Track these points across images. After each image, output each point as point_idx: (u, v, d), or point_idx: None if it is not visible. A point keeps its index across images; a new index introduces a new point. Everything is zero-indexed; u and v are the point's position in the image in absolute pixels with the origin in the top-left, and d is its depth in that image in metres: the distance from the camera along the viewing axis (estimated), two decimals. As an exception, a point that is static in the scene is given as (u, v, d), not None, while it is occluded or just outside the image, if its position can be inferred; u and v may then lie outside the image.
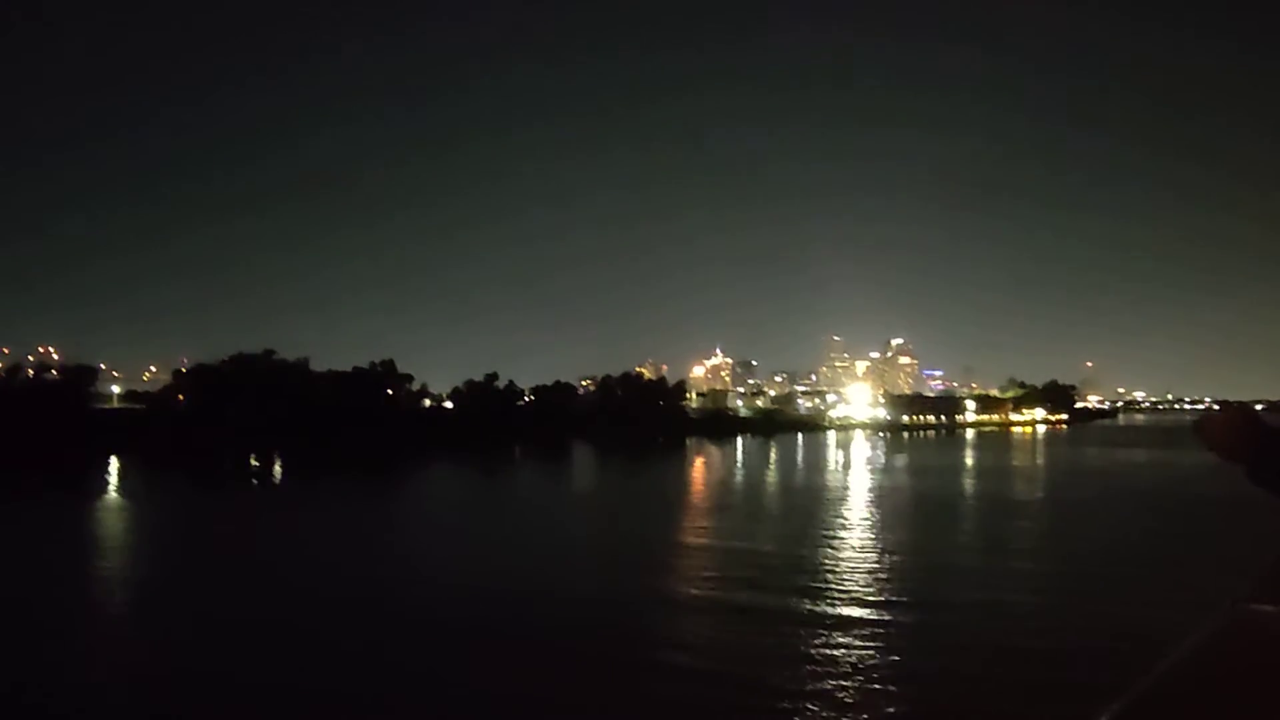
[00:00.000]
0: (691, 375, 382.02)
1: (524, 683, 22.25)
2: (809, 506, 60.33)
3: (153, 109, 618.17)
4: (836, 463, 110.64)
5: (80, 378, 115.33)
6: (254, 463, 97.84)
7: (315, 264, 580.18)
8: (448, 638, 26.48)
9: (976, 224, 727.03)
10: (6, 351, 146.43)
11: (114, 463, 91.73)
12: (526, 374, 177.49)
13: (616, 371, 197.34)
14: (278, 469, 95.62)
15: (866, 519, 53.54)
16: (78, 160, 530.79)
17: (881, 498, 66.77)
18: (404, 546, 44.85)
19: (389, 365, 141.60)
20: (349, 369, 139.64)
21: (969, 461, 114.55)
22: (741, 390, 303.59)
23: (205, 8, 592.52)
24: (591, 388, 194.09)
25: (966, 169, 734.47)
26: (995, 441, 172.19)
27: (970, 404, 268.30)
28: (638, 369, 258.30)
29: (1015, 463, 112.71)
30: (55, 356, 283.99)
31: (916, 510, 58.44)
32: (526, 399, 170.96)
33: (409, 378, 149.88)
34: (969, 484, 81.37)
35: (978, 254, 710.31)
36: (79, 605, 30.95)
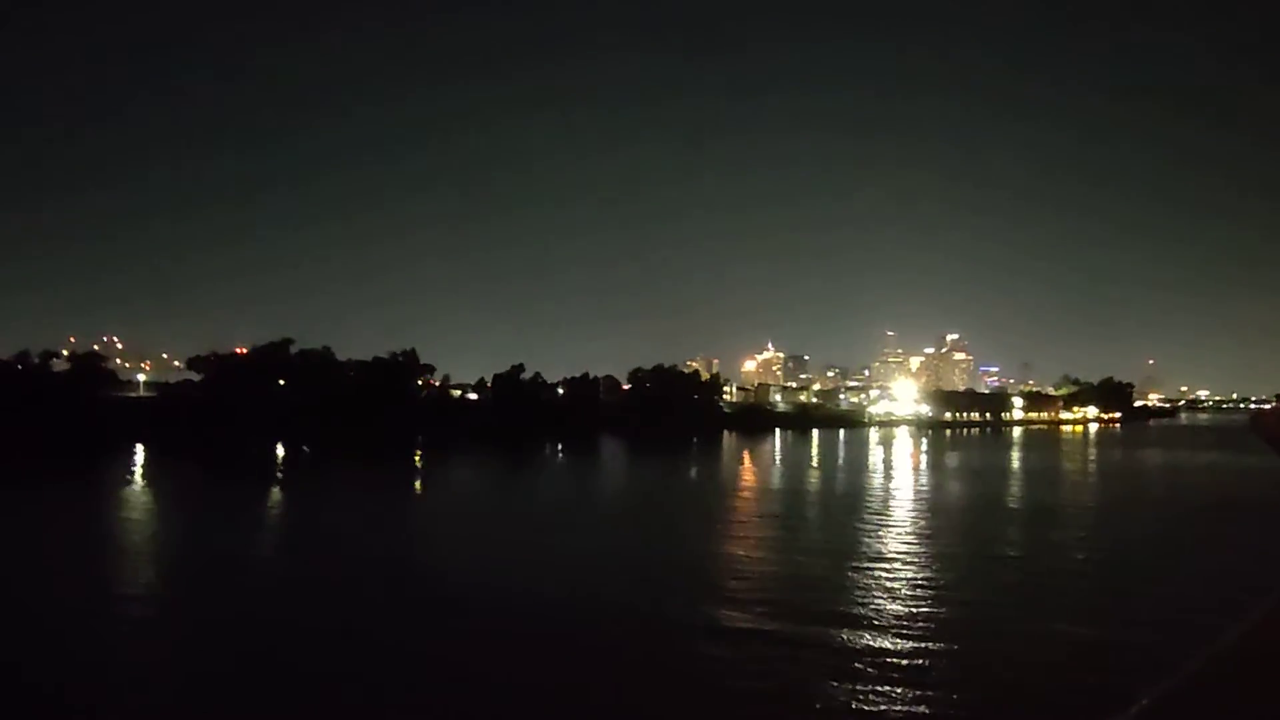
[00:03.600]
0: (743, 370, 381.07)
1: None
2: (838, 512, 56.55)
3: (179, 86, 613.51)
4: (866, 462, 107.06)
5: (89, 366, 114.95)
6: (280, 454, 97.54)
7: (345, 254, 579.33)
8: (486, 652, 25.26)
9: (1039, 220, 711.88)
10: (74, 340, 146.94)
11: (138, 453, 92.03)
12: (577, 368, 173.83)
13: (669, 365, 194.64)
14: (303, 460, 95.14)
15: (890, 530, 49.76)
16: (86, 143, 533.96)
17: (905, 505, 63.13)
18: (435, 546, 43.30)
19: (411, 355, 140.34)
20: (370, 359, 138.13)
21: (1011, 463, 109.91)
22: (792, 385, 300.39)
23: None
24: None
25: (1031, 164, 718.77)
26: (1041, 441, 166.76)
27: (1018, 401, 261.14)
28: (689, 363, 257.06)
29: (1057, 465, 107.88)
30: (119, 345, 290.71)
31: (942, 519, 54.87)
32: (559, 391, 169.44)
33: (430, 368, 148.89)
34: (1009, 490, 76.37)
35: (1039, 250, 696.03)
36: (92, 613, 29.08)
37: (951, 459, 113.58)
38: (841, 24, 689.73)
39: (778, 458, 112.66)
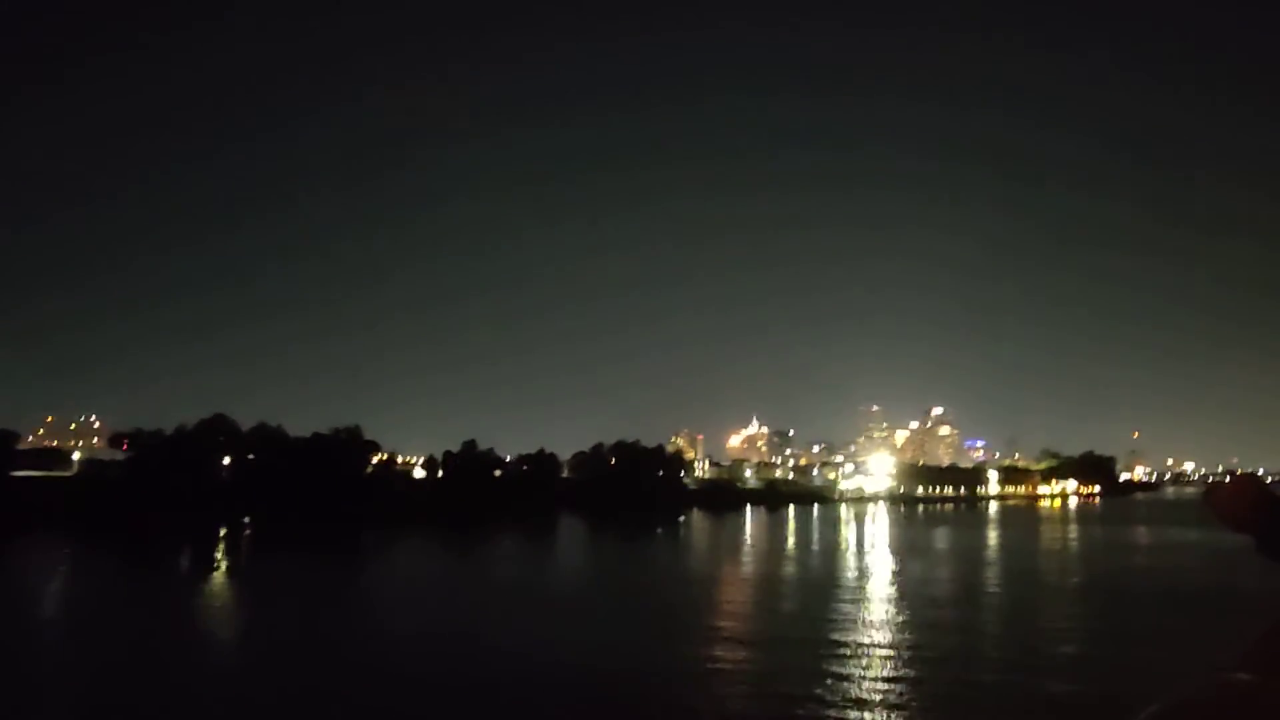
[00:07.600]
0: (728, 445, 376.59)
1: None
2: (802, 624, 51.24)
3: (122, 180, 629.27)
4: (836, 543, 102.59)
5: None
6: (212, 538, 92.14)
7: (314, 335, 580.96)
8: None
9: (1025, 294, 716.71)
10: (51, 420, 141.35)
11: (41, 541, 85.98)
12: (554, 447, 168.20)
13: (650, 441, 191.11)
14: (237, 547, 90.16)
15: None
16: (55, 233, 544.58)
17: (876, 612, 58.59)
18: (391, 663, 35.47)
19: (353, 432, 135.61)
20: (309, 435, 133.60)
21: (976, 544, 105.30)
22: (776, 460, 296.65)
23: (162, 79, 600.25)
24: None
25: (1017, 237, 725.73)
26: (1014, 518, 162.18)
27: (993, 475, 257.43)
28: (673, 439, 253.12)
29: (1020, 546, 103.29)
30: (96, 425, 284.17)
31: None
32: (524, 468, 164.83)
33: (374, 445, 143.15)
34: (986, 578, 70.90)
35: (1024, 325, 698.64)
36: None
37: (913, 539, 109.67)
38: (825, 122, 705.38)
39: (746, 539, 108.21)
